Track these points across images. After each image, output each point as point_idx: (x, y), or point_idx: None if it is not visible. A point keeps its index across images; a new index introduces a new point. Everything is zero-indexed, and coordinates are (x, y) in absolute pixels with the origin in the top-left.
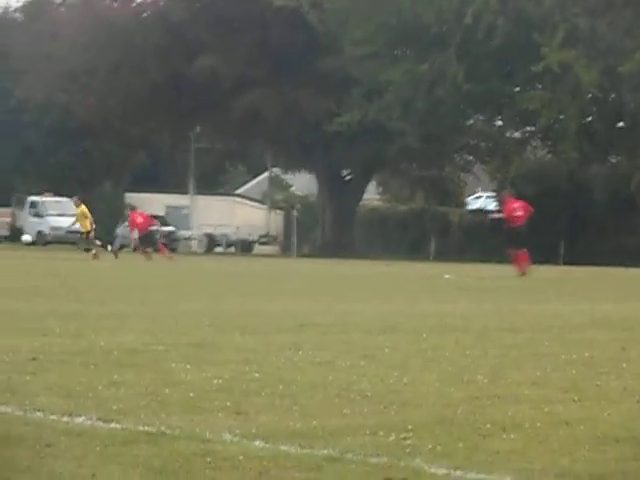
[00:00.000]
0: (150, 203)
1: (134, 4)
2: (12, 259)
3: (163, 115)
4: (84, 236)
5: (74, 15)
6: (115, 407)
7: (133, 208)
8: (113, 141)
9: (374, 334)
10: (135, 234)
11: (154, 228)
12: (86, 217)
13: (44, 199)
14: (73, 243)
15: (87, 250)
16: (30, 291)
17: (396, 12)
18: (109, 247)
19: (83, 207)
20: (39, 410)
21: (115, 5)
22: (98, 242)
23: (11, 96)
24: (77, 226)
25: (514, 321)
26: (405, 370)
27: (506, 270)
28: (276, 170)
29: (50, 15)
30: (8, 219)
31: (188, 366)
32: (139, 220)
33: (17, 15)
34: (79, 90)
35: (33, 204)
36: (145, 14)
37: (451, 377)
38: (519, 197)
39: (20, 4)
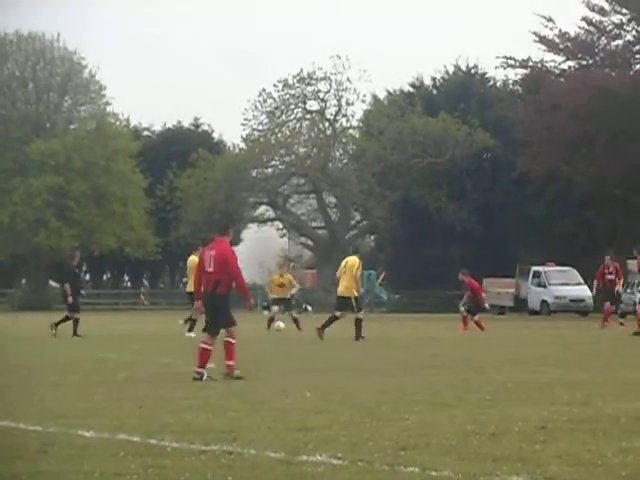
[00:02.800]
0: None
1: (632, 72)
2: (519, 329)
3: None
4: None
5: (573, 85)
6: (624, 473)
7: None
8: (614, 210)
9: None
10: None
11: None
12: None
13: (547, 269)
14: (577, 312)
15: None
16: (538, 361)
17: None
18: None
19: None
20: (550, 479)
21: (613, 74)
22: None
23: (514, 168)
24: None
25: None
26: None
27: None
28: None
29: (549, 86)
30: (512, 290)
31: None
32: None
33: (517, 88)
34: (580, 160)
35: (536, 274)
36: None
37: None
38: None
39: (519, 77)
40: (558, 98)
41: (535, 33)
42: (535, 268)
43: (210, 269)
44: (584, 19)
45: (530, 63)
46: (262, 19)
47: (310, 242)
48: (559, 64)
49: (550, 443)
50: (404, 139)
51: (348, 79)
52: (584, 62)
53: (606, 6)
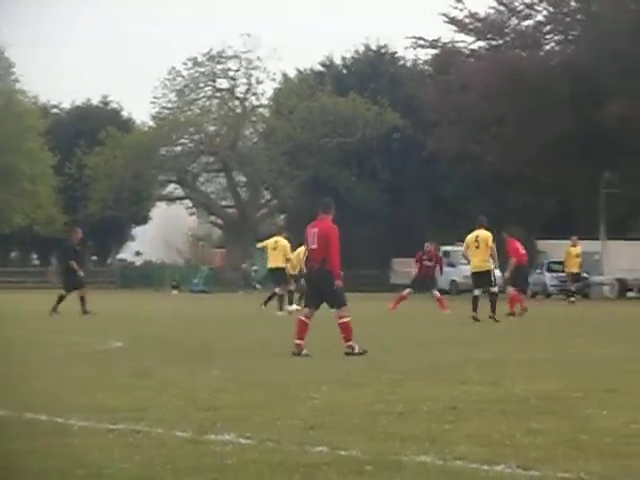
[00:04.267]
0: (560, 250)
1: (542, 52)
2: (428, 308)
3: (573, 162)
4: None
5: (483, 65)
6: (534, 454)
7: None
8: (524, 190)
9: None
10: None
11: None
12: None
13: (456, 248)
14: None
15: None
16: (448, 340)
17: None
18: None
19: None
20: (459, 459)
21: (523, 54)
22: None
23: (423, 148)
24: None
25: None
26: None
27: None
28: None
29: (459, 66)
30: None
31: (604, 412)
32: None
33: (427, 68)
34: (490, 140)
35: (445, 254)
36: (553, 62)
37: None
38: None
39: (429, 57)
40: (468, 78)
41: (445, 14)
42: (445, 248)
43: (314, 246)
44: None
45: (440, 43)
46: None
47: (219, 221)
48: (469, 44)
49: (460, 423)
50: (314, 118)
51: (258, 58)
52: (494, 42)
53: None
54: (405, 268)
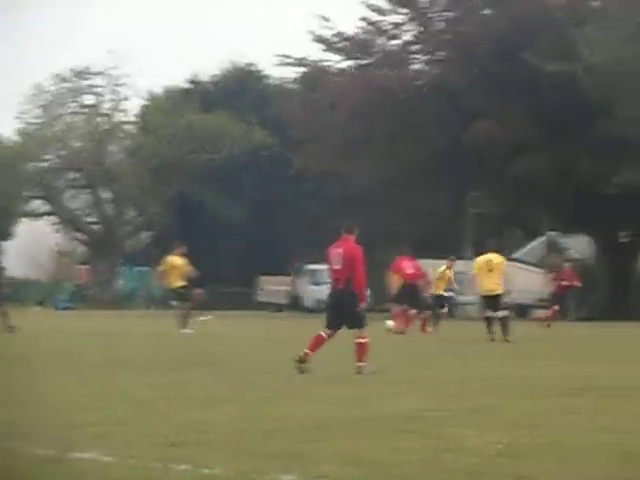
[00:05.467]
0: (430, 269)
1: (410, 72)
2: (299, 327)
3: (441, 181)
4: None
5: (351, 84)
6: (397, 473)
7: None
8: (392, 209)
9: None
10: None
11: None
12: None
13: (322, 267)
14: None
15: None
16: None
17: None
18: None
19: None
20: (323, 477)
21: (391, 74)
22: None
23: (291, 165)
24: None
25: None
26: None
27: None
28: (552, 234)
29: (327, 85)
30: (288, 287)
31: (470, 432)
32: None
33: (295, 86)
34: (358, 158)
35: (311, 272)
36: (421, 81)
37: None
38: None
39: (297, 75)
40: (336, 97)
41: (312, 33)
42: (310, 266)
43: (338, 266)
44: (363, 19)
45: (308, 62)
46: (34, 13)
47: (85, 237)
48: (337, 63)
49: (326, 441)
50: (181, 135)
51: (125, 74)
52: (362, 61)
53: (385, 6)
54: (272, 286)
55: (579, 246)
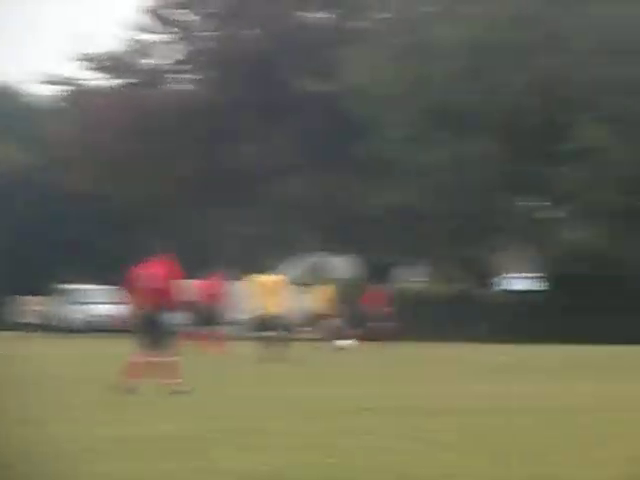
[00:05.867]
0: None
1: (175, 92)
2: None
3: (204, 201)
4: None
5: (114, 104)
6: None
7: None
8: (154, 229)
9: (432, 417)
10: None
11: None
12: None
13: (85, 287)
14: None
15: None
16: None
17: (434, 95)
18: None
19: None
20: None
21: (155, 93)
22: None
23: (53, 186)
24: None
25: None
26: (460, 453)
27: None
28: (320, 254)
29: (91, 104)
30: (44, 307)
31: (236, 453)
32: None
33: (59, 105)
34: (122, 179)
35: (71, 292)
36: (186, 102)
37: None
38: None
39: (61, 94)
40: (99, 116)
41: (75, 51)
42: (72, 286)
43: (147, 287)
44: (128, 38)
45: (69, 80)
46: None
47: None
48: (100, 82)
49: (95, 464)
50: None
51: None
52: (125, 81)
53: (149, 26)
54: (31, 306)
55: (346, 267)
